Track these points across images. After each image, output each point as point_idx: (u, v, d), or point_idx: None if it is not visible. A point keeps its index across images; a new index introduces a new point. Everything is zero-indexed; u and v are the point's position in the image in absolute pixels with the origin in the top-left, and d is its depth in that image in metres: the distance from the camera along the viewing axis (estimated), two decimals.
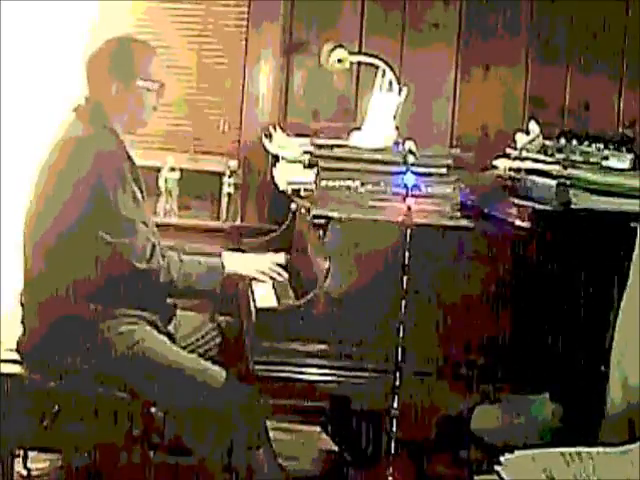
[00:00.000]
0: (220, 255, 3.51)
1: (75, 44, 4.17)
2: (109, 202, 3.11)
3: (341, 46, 3.87)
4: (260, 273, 3.30)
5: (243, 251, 3.68)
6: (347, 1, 4.46)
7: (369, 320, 2.92)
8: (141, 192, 3.25)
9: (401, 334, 2.73)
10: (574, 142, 3.40)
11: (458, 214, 3.08)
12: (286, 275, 3.35)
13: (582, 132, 3.45)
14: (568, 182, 3.05)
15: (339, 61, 3.86)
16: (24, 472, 3.54)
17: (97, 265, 3.12)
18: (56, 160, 3.20)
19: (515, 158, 3.51)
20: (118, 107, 3.29)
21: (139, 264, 3.12)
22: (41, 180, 3.23)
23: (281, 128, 4.06)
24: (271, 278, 3.32)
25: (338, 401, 3.76)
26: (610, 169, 3.25)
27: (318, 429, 4.11)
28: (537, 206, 3.02)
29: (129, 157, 3.24)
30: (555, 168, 3.23)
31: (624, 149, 3.32)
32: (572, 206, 3.00)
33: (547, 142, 3.50)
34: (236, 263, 3.33)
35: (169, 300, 3.38)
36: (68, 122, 3.30)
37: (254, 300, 3.13)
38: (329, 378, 2.96)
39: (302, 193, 3.28)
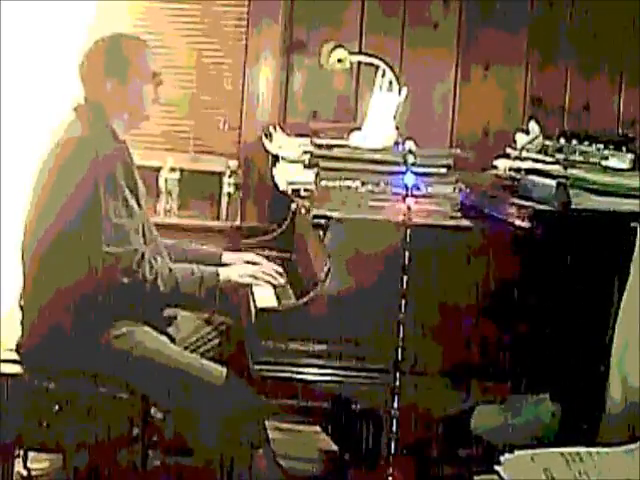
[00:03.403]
0: (220, 256, 3.51)
1: (74, 44, 4.16)
2: (100, 208, 3.09)
3: (341, 46, 3.87)
4: (255, 279, 3.28)
5: (241, 250, 3.67)
6: (347, 1, 4.46)
7: (369, 320, 2.92)
8: (137, 198, 3.21)
9: (401, 334, 2.73)
10: (574, 142, 3.40)
11: (458, 214, 3.08)
12: (282, 281, 3.33)
13: (582, 132, 3.46)
14: (568, 182, 3.05)
15: (339, 61, 3.86)
16: (24, 472, 3.54)
17: (88, 272, 3.11)
18: (54, 161, 3.19)
19: (515, 158, 3.51)
20: (117, 105, 3.28)
21: (124, 277, 3.09)
22: (40, 181, 3.22)
23: (281, 128, 4.06)
24: (268, 282, 3.30)
25: (338, 401, 3.76)
26: (610, 169, 3.25)
27: (318, 429, 4.11)
28: (537, 206, 3.02)
29: (127, 161, 3.22)
30: (555, 168, 3.23)
31: (624, 149, 3.32)
32: (572, 206, 3.00)
33: (547, 142, 3.50)
34: (231, 271, 3.30)
35: (169, 312, 3.37)
36: (68, 122, 3.30)
37: (254, 300, 3.13)
38: (329, 378, 2.96)
39: (302, 193, 3.28)
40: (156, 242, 3.35)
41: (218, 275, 3.23)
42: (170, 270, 3.18)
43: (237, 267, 3.36)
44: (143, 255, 3.13)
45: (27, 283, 3.25)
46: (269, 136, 4.07)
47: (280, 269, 3.38)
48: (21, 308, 3.27)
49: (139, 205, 3.23)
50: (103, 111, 3.28)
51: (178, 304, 3.33)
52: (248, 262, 3.44)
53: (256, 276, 3.27)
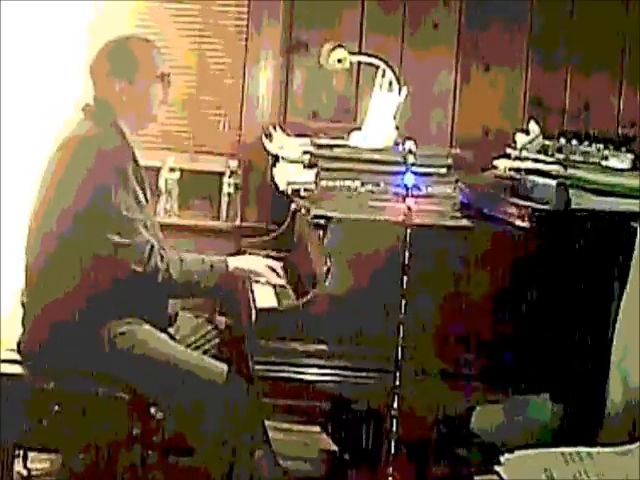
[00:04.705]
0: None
1: (75, 44, 4.17)
2: (110, 201, 3.11)
3: (341, 46, 3.87)
4: (263, 268, 3.30)
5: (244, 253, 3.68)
6: (347, 1, 4.46)
7: (369, 320, 2.92)
8: (144, 193, 3.25)
9: (401, 334, 2.73)
10: (574, 142, 3.40)
11: (458, 214, 3.08)
12: (282, 281, 3.34)
13: (582, 132, 3.46)
14: (568, 182, 3.05)
15: (339, 61, 3.86)
16: (24, 472, 3.54)
17: (97, 266, 3.12)
18: (60, 159, 3.21)
19: (515, 158, 3.51)
20: (125, 105, 3.30)
21: (137, 266, 3.11)
22: (46, 178, 3.24)
23: (281, 128, 4.06)
24: (274, 272, 3.32)
25: (338, 401, 3.76)
26: (610, 169, 3.25)
27: (318, 429, 4.11)
28: (537, 206, 3.02)
29: (134, 158, 3.25)
30: (555, 168, 3.23)
31: (624, 149, 3.32)
32: (572, 206, 3.00)
33: (547, 142, 3.50)
34: (239, 260, 3.34)
35: (170, 310, 3.38)
36: (76, 121, 3.32)
37: (254, 300, 3.13)
38: (329, 378, 2.96)
39: (302, 193, 3.28)
40: (159, 238, 3.36)
41: (227, 263, 3.25)
42: (181, 259, 3.20)
43: (245, 257, 3.41)
44: (153, 246, 3.15)
45: (30, 280, 3.26)
46: (269, 136, 4.07)
47: (281, 265, 3.40)
48: (23, 305, 3.27)
49: (146, 201, 3.25)
50: (112, 110, 3.30)
51: (188, 294, 3.37)
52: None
53: (265, 268, 3.29)
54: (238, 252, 3.72)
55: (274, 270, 3.35)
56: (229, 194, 4.46)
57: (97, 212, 3.11)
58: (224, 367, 3.17)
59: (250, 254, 3.64)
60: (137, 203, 3.19)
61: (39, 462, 3.63)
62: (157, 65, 3.35)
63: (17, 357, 3.25)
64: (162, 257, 3.17)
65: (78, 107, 3.35)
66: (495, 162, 3.63)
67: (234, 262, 3.30)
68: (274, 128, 4.08)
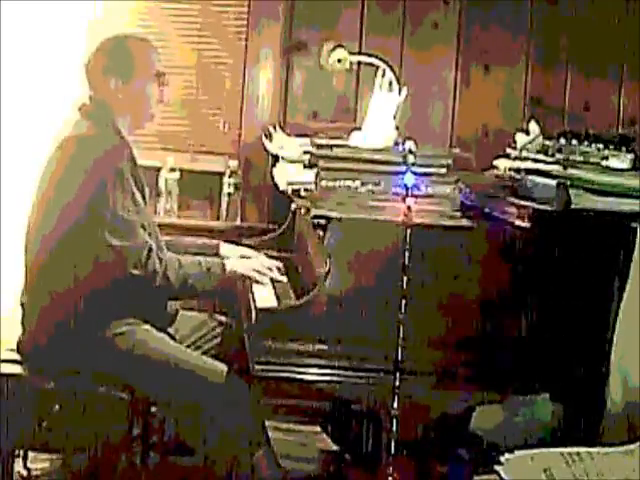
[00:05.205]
0: (218, 246, 3.52)
1: (75, 44, 4.17)
2: (107, 203, 3.11)
3: (341, 46, 3.87)
4: (259, 274, 3.30)
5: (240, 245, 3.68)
6: (347, 1, 4.46)
7: (369, 320, 2.92)
8: (142, 194, 3.24)
9: (401, 334, 2.73)
10: (574, 142, 3.39)
11: (458, 214, 3.08)
12: (284, 278, 3.34)
13: (582, 132, 3.46)
14: (568, 182, 3.05)
15: (339, 61, 3.86)
16: (24, 472, 3.54)
17: (94, 267, 3.12)
18: (58, 159, 3.21)
19: (515, 158, 3.51)
20: (121, 105, 3.29)
21: (133, 269, 3.10)
22: (43, 179, 3.23)
23: (281, 128, 4.06)
24: (271, 279, 3.32)
25: (338, 401, 3.76)
26: (610, 169, 3.24)
27: (318, 429, 4.11)
28: (537, 206, 3.02)
29: (132, 158, 3.24)
30: (555, 168, 3.23)
31: (624, 149, 3.32)
32: (572, 206, 3.00)
33: (547, 142, 3.50)
34: (236, 263, 3.33)
35: (169, 309, 3.38)
36: (73, 121, 3.31)
37: (254, 300, 3.13)
38: (329, 378, 2.95)
39: (302, 193, 3.28)
40: (158, 239, 3.36)
41: (224, 267, 3.24)
42: (179, 262, 3.19)
43: (243, 260, 3.39)
44: (151, 248, 3.14)
45: (29, 280, 3.25)
46: (269, 136, 4.07)
47: (279, 264, 3.40)
48: (22, 306, 3.27)
49: (144, 202, 3.25)
50: (109, 110, 3.29)
51: (186, 296, 3.36)
52: (244, 256, 3.46)
53: (261, 271, 3.28)
54: (232, 242, 3.71)
55: (270, 269, 3.34)
56: (229, 194, 4.46)
57: (94, 213, 3.11)
58: (224, 367, 3.17)
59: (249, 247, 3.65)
60: (135, 204, 3.18)
61: (39, 462, 3.63)
62: (153, 64, 3.34)
63: (17, 357, 3.24)
64: (160, 260, 3.16)
65: (75, 106, 3.34)
66: (495, 162, 3.63)
67: (231, 265, 3.29)
68: (274, 128, 4.08)
